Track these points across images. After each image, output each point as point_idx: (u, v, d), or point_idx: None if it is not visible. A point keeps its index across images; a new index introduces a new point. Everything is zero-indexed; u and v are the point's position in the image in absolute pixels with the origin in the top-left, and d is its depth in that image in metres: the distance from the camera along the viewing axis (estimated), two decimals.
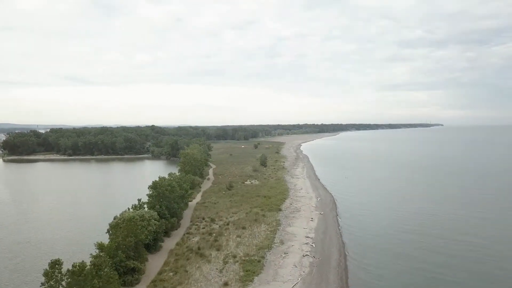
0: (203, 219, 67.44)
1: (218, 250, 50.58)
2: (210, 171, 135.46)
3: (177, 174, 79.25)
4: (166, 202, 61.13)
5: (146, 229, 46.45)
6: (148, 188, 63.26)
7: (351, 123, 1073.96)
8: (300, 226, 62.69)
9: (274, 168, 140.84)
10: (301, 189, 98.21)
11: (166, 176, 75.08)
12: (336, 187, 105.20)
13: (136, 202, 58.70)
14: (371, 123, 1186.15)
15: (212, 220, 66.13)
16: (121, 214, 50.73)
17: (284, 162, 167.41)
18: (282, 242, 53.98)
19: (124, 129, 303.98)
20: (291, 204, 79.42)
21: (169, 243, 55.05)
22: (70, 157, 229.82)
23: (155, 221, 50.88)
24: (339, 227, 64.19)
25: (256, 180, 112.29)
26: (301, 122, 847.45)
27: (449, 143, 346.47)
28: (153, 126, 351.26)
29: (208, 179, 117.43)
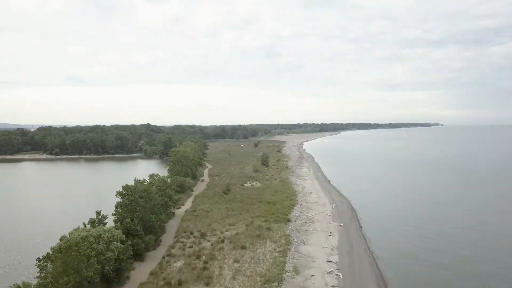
0: (191, 233, 52.58)
1: (207, 285, 35.73)
2: (205, 172, 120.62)
3: (161, 176, 64.22)
4: (141, 213, 46.29)
5: (100, 258, 31.65)
6: (117, 194, 48.09)
7: (351, 122, 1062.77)
8: (318, 244, 47.90)
9: (277, 168, 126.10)
10: (311, 192, 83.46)
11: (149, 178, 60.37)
12: (349, 189, 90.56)
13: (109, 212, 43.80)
14: (371, 122, 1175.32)
15: (203, 235, 51.33)
16: (71, 234, 35.94)
17: (287, 161, 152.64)
18: (296, 271, 39.17)
19: (117, 127, 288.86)
20: (301, 212, 64.65)
21: (140, 272, 40.11)
22: (57, 157, 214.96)
23: (118, 244, 35.91)
24: (368, 245, 49.40)
25: (257, 182, 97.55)
26: (301, 121, 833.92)
27: (453, 141, 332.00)
28: (148, 124, 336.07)
29: (203, 180, 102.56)
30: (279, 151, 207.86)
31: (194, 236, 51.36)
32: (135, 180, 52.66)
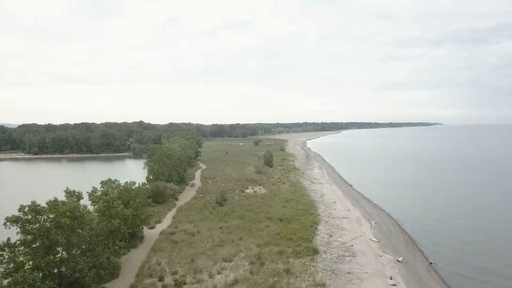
0: (160, 280, 31.88)
1: None
2: (197, 174, 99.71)
3: (121, 183, 43.10)
4: (61, 258, 25.43)
5: None
6: (7, 222, 26.62)
7: (352, 121, 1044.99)
8: None
9: (284, 169, 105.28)
10: (334, 202, 62.77)
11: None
12: (381, 197, 70.12)
13: None
14: (372, 121, 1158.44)
15: (178, 285, 30.62)
16: None
17: (293, 161, 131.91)
18: None
19: (106, 124, 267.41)
20: (331, 236, 43.89)
21: None
22: (36, 156, 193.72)
23: None
24: None
25: (261, 187, 76.92)
26: (301, 121, 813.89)
27: (460, 140, 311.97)
28: (140, 121, 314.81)
29: (192, 185, 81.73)
30: (282, 150, 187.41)
31: (164, 286, 30.61)
32: (66, 193, 31.88)
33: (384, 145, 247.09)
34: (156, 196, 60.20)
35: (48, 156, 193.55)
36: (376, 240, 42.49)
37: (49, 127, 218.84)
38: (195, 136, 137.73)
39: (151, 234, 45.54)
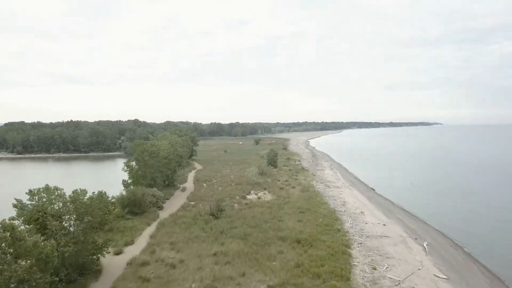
0: None
1: None
2: (190, 176, 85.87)
3: (63, 192, 29.24)
4: None
5: None
6: None
7: (352, 121, 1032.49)
8: None
9: (290, 170, 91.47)
10: (362, 212, 48.99)
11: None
12: (416, 204, 56.57)
13: None
14: (372, 121, 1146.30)
15: None
16: None
17: (299, 161, 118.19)
18: None
19: (98, 122, 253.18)
20: (374, 267, 30.03)
21: None
22: (20, 156, 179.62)
23: None
24: None
25: (266, 192, 63.20)
26: (301, 120, 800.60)
27: (469, 139, 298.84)
28: (135, 120, 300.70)
29: (183, 190, 67.94)
30: (285, 149, 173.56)
31: None
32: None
33: (392, 144, 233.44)
34: (133, 205, 46.47)
35: (33, 155, 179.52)
36: (444, 277, 28.73)
37: (35, 125, 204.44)
38: (189, 133, 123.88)
39: (114, 264, 31.73)
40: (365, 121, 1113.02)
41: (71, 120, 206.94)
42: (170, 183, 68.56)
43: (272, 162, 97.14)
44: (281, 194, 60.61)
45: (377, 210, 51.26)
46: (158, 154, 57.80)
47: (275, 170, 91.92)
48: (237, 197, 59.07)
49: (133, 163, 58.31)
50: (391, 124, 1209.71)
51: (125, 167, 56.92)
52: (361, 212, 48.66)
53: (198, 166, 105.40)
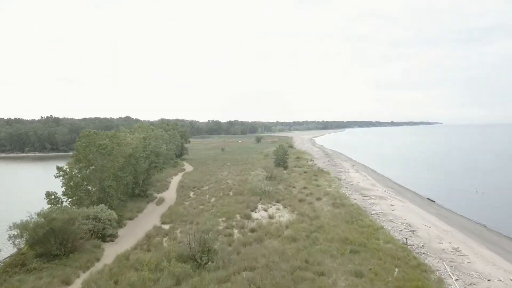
0: None
1: None
2: (175, 180, 64.90)
3: None
4: None
5: None
6: None
7: (353, 120, 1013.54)
8: None
9: (306, 173, 70.35)
10: (456, 250, 28.15)
11: None
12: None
13: None
14: (373, 120, 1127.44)
15: None
16: None
17: (312, 160, 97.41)
18: None
19: (84, 119, 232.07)
20: None
21: None
22: None
23: None
24: None
25: (280, 207, 42.44)
26: (301, 119, 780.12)
27: (480, 138, 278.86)
28: (127, 116, 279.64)
29: (160, 202, 47.09)
30: (291, 147, 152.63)
31: None
32: None
33: (409, 142, 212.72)
34: (49, 241, 25.66)
35: (4, 155, 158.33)
36: None
37: (11, 121, 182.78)
38: (179, 127, 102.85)
39: None
40: (366, 120, 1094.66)
41: (51, 116, 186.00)
42: (141, 193, 47.72)
43: (282, 162, 76.45)
44: (304, 210, 39.77)
45: (475, 242, 30.46)
46: (112, 151, 36.63)
47: (285, 172, 71.22)
48: (238, 216, 38.29)
49: (71, 166, 37.35)
50: (392, 124, 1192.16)
51: (59, 172, 35.86)
52: (455, 250, 27.79)
53: (188, 167, 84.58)
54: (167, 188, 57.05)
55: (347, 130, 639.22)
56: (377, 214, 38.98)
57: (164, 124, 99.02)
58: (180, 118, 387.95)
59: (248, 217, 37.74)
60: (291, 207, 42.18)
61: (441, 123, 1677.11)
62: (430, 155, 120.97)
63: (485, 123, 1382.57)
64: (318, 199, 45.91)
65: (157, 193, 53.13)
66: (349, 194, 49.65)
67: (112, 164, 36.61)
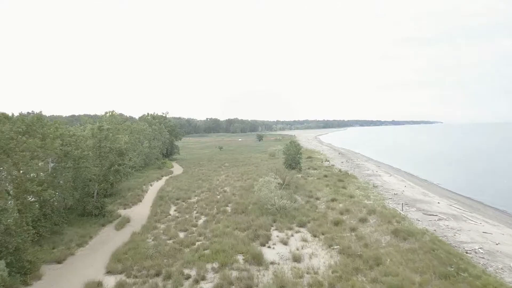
0: None
1: None
2: (155, 187, 48.82)
3: None
4: None
5: None
6: None
7: (354, 119, 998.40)
8: None
9: (326, 177, 54.29)
10: None
11: None
12: None
13: None
14: (374, 119, 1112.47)
15: None
16: None
17: (327, 160, 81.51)
18: None
19: (73, 116, 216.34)
20: None
21: None
22: None
23: None
24: None
25: (304, 233, 26.76)
26: (301, 118, 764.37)
27: (491, 135, 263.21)
28: (120, 114, 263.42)
29: (123, 223, 31.35)
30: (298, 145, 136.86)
31: None
32: None
33: (421, 140, 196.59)
34: None
35: None
36: None
37: None
38: (167, 121, 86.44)
39: None
40: (367, 119, 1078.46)
41: (32, 112, 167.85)
42: (96, 210, 31.79)
43: (294, 163, 60.57)
44: (347, 243, 24.02)
45: None
46: (17, 146, 20.59)
47: (299, 176, 55.37)
48: (240, 257, 22.43)
49: None
50: (393, 123, 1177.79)
51: None
52: None
53: (177, 169, 68.55)
54: (140, 201, 41.02)
55: (348, 128, 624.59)
56: (475, 251, 23.15)
57: (148, 117, 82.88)
58: (177, 116, 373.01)
59: (258, 260, 21.88)
60: (325, 236, 26.36)
61: (441, 122, 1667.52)
62: (461, 154, 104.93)
63: (485, 123, 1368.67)
64: (363, 220, 30.00)
65: (124, 208, 37.24)
66: (402, 210, 33.77)
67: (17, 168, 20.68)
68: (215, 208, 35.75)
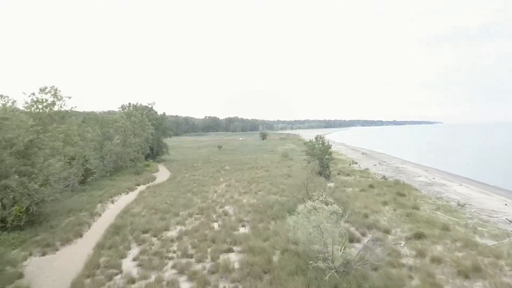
0: None
1: None
2: (115, 208, 31.95)
3: None
4: None
5: None
6: None
7: (355, 119, 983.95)
8: None
9: (372, 187, 38.06)
10: None
11: None
12: None
13: None
14: (375, 119, 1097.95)
15: None
16: None
17: (355, 163, 64.76)
18: None
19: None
20: None
21: None
22: None
23: None
24: None
25: None
26: (302, 118, 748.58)
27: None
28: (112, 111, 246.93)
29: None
30: (305, 144, 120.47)
31: None
32: None
33: (439, 140, 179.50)
34: None
35: None
36: None
37: None
38: (152, 112, 69.54)
39: None
40: (367, 119, 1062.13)
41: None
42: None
43: (321, 167, 43.77)
44: None
45: None
46: None
47: (331, 185, 38.53)
48: None
49: None
50: (394, 123, 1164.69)
51: None
52: None
53: (162, 174, 51.58)
54: (81, 235, 23.94)
55: (351, 128, 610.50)
56: None
57: (130, 107, 65.92)
58: (174, 114, 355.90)
59: None
60: None
61: (442, 123, 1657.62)
62: (504, 154, 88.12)
63: (484, 122, 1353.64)
64: None
65: (42, 254, 20.35)
66: None
67: None
68: (209, 256, 18.97)
